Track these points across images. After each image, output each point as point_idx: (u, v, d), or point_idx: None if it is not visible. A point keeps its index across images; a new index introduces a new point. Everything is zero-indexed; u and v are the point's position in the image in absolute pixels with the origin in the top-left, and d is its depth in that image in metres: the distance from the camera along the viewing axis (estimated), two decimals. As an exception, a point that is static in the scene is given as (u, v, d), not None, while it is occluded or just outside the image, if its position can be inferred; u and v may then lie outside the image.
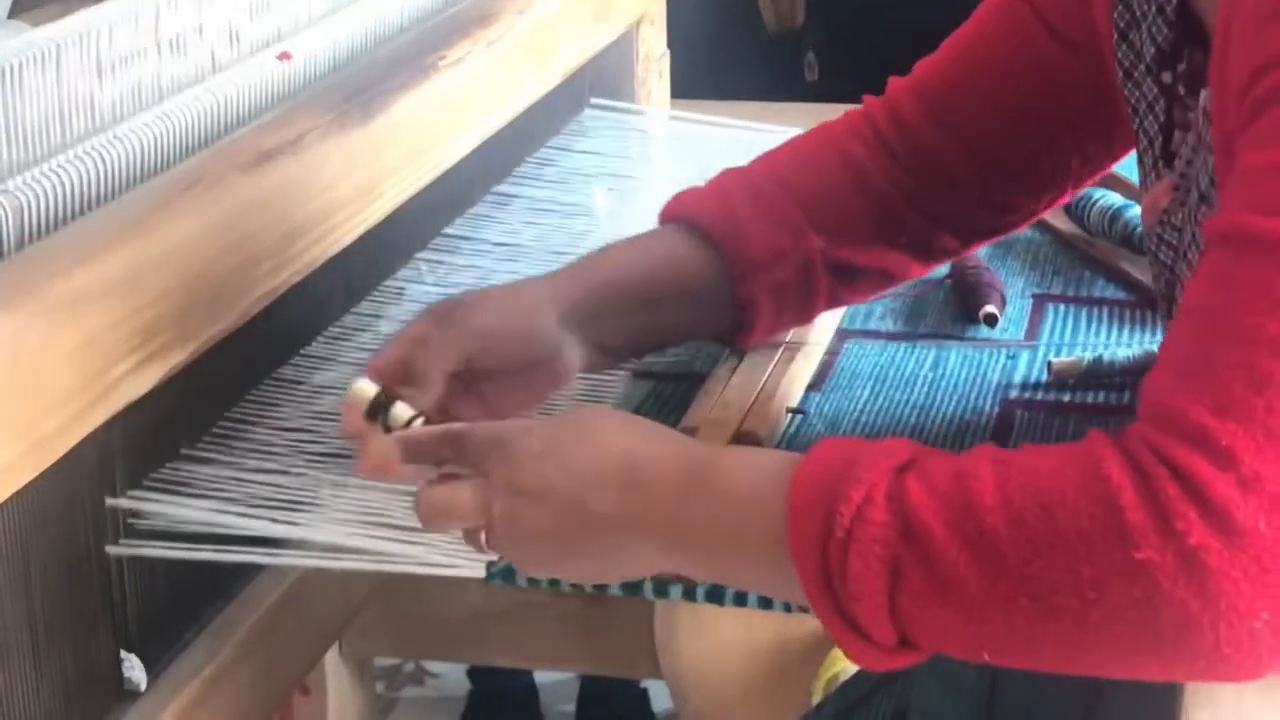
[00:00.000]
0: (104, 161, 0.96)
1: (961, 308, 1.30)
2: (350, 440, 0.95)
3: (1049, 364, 1.19)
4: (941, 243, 1.16)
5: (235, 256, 1.00)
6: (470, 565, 0.94)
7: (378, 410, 0.91)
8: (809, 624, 0.82)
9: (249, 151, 1.04)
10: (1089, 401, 1.17)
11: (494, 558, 0.93)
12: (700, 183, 1.15)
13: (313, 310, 1.14)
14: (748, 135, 1.51)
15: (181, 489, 0.96)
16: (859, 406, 1.16)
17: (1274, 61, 0.78)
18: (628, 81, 1.71)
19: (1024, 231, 1.42)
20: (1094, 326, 1.28)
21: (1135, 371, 1.17)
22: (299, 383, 1.09)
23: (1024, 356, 1.23)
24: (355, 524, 0.96)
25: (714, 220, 1.10)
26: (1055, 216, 1.43)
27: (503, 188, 1.44)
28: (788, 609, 1.00)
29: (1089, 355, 1.19)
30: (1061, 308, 1.31)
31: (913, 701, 1.02)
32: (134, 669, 0.95)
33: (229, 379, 1.04)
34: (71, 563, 0.90)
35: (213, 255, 0.98)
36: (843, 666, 1.17)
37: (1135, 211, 1.35)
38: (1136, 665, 0.74)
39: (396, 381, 0.95)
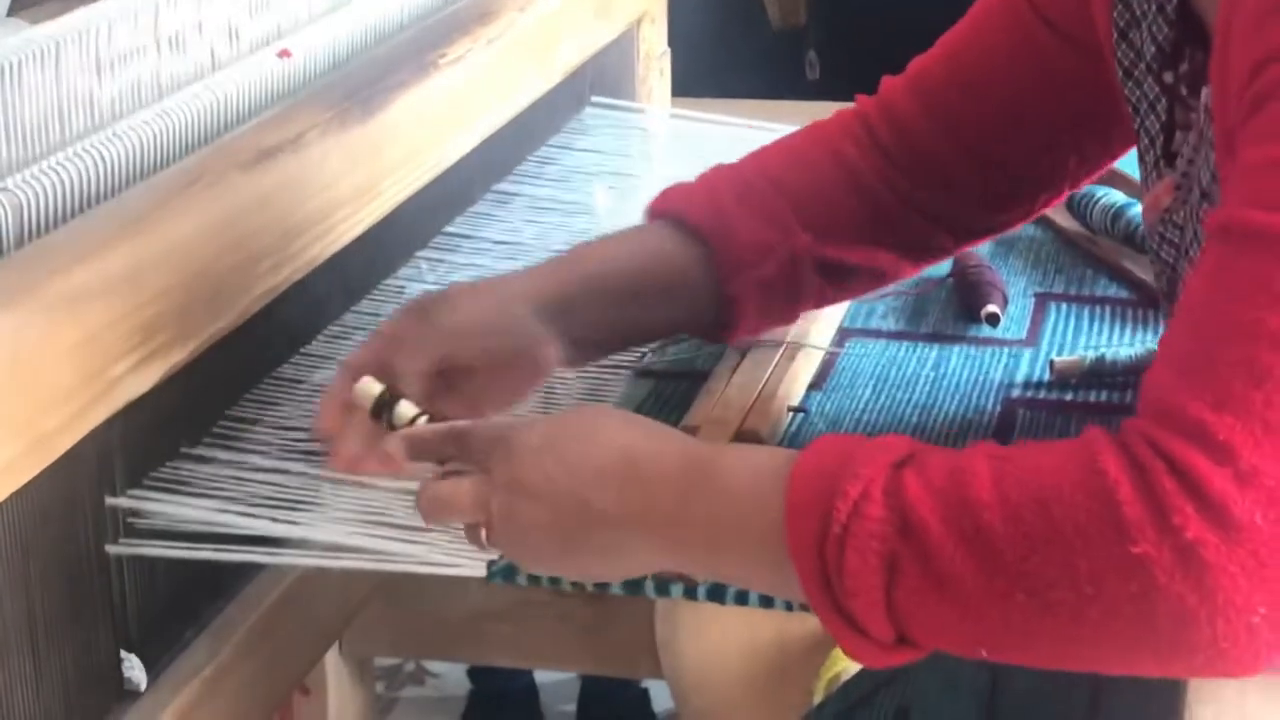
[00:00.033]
0: (103, 159, 0.96)
1: (963, 307, 1.29)
2: (325, 438, 0.96)
3: (1051, 363, 1.19)
4: (936, 241, 1.15)
5: (235, 255, 1.00)
6: (471, 564, 0.94)
7: (382, 408, 0.92)
8: (810, 623, 0.82)
9: (249, 149, 1.03)
10: (1091, 401, 1.17)
11: (495, 556, 0.92)
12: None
13: (313, 309, 1.14)
14: (749, 134, 1.50)
15: (181, 488, 0.96)
16: (861, 405, 1.16)
17: (1274, 56, 0.78)
18: (629, 79, 1.71)
19: (1026, 230, 1.43)
20: (1096, 325, 1.28)
21: (1138, 371, 1.16)
22: (299, 381, 1.09)
23: (1026, 356, 1.22)
24: (355, 523, 0.96)
25: (701, 216, 1.09)
26: (1058, 214, 1.43)
27: (503, 186, 1.44)
28: (789, 608, 1.00)
29: (1091, 354, 1.19)
30: (1064, 307, 1.31)
31: (914, 701, 1.01)
32: (134, 669, 0.95)
33: (229, 377, 1.04)
34: (71, 562, 0.90)
35: (212, 253, 0.97)
36: (844, 666, 1.17)
37: (1138, 210, 1.35)
38: (1134, 661, 0.74)
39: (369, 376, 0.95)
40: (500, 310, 1.01)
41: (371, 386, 0.93)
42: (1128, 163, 1.14)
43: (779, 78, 2.06)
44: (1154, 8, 0.96)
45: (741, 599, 1.00)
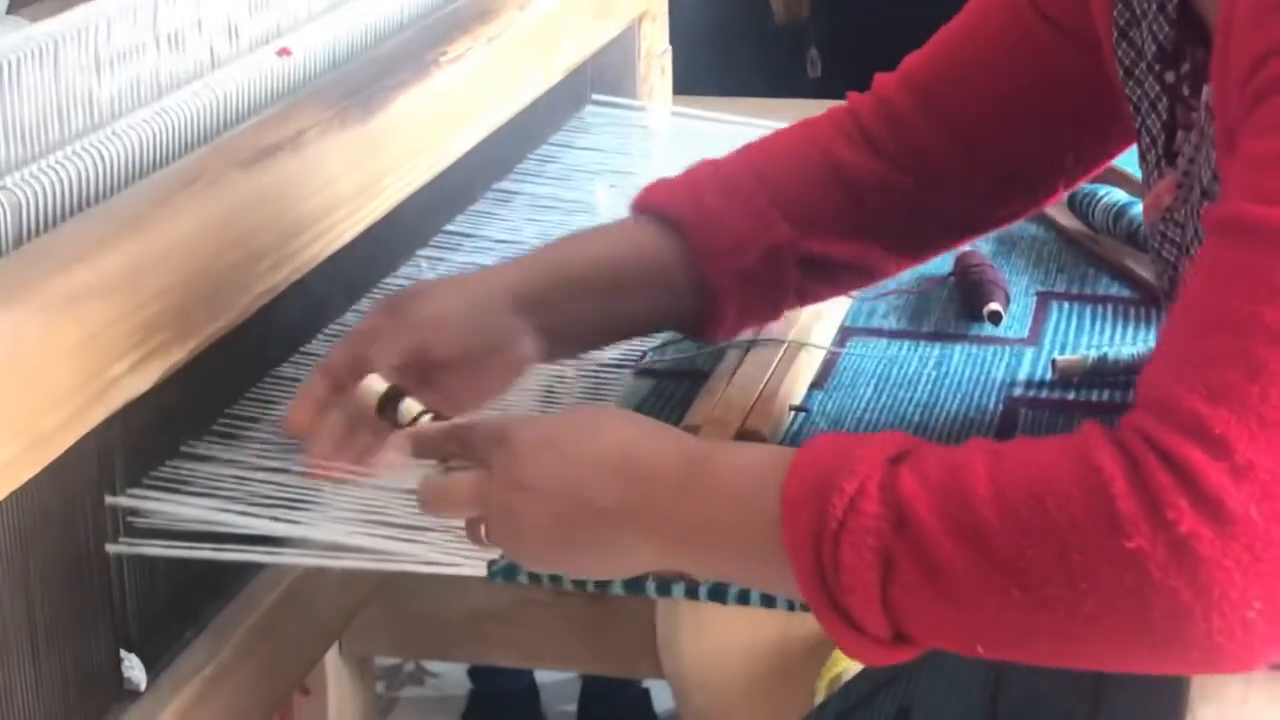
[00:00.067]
0: (102, 158, 0.96)
1: (965, 305, 1.29)
2: (295, 437, 0.96)
3: (1053, 362, 1.19)
4: (928, 238, 1.15)
5: (235, 254, 0.99)
6: (471, 564, 0.94)
7: (387, 405, 0.92)
8: (812, 623, 0.82)
9: (248, 148, 1.03)
10: (1093, 400, 1.17)
11: (495, 555, 0.92)
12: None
13: (313, 308, 1.13)
14: (750, 132, 1.49)
15: (181, 487, 0.96)
16: (862, 405, 1.16)
17: (1274, 50, 0.78)
18: (630, 78, 1.71)
19: (1028, 229, 1.43)
20: (1098, 324, 1.27)
21: (1140, 370, 1.16)
22: (299, 380, 1.09)
23: (1028, 355, 1.22)
24: (355, 522, 0.96)
25: (681, 209, 1.08)
26: (1060, 213, 1.43)
27: (504, 184, 1.44)
28: (791, 608, 1.00)
29: (1093, 353, 1.19)
30: (1066, 305, 1.31)
31: (916, 701, 1.01)
32: (134, 668, 0.94)
33: (229, 376, 1.04)
34: (71, 561, 0.90)
35: (212, 252, 0.97)
36: (846, 666, 1.17)
37: (1140, 208, 1.34)
38: (1130, 656, 0.74)
39: (346, 377, 0.96)
40: (473, 303, 1.01)
41: (377, 384, 0.93)
42: (1129, 161, 1.14)
43: (780, 76, 2.05)
44: (1154, 7, 0.96)
45: (743, 599, 1.00)
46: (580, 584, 1.03)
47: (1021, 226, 1.43)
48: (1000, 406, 1.15)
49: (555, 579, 1.02)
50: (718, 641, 1.21)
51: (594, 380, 1.16)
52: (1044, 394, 1.17)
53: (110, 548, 0.93)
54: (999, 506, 0.74)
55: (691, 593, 1.00)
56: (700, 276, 1.07)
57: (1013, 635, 0.75)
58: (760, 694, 1.21)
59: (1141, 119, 1.00)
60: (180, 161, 1.01)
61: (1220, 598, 0.71)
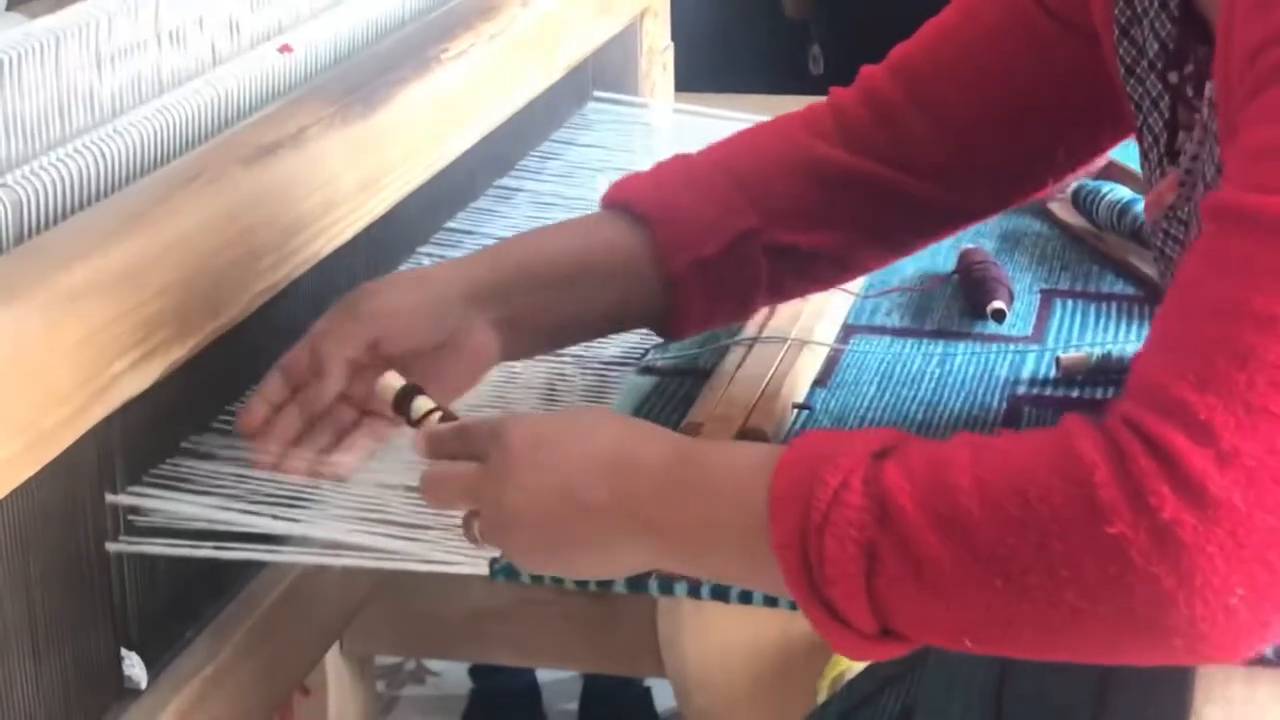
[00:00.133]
0: (103, 155, 0.96)
1: (969, 303, 1.29)
2: (247, 436, 0.97)
3: (1057, 360, 1.19)
4: (908, 232, 1.13)
5: (236, 251, 0.99)
6: (472, 562, 0.94)
7: (402, 402, 0.93)
8: (814, 622, 0.82)
9: (250, 145, 1.03)
10: (1097, 397, 1.16)
11: (493, 554, 0.92)
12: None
13: (314, 306, 1.13)
14: (752, 129, 1.50)
15: (182, 485, 0.96)
16: (865, 403, 1.15)
17: (1274, 39, 0.78)
18: (631, 74, 1.71)
19: (1032, 226, 1.43)
20: (1102, 322, 1.27)
21: (1143, 366, 1.16)
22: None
23: (1032, 352, 1.22)
24: (356, 520, 0.96)
25: (646, 201, 1.07)
26: (1063, 210, 1.43)
27: (505, 181, 1.44)
28: (793, 607, 1.00)
29: (1097, 351, 1.19)
30: (1070, 303, 1.30)
31: (919, 699, 1.01)
32: (134, 667, 0.94)
33: (230, 374, 1.03)
34: (72, 560, 0.90)
35: (213, 250, 0.97)
36: (848, 665, 1.17)
37: (1143, 205, 1.34)
38: (1114, 646, 0.74)
39: (303, 375, 0.97)
40: (428, 296, 1.01)
41: (394, 381, 0.94)
42: (1132, 158, 1.14)
43: (782, 72, 2.05)
44: (1156, 4, 0.96)
45: (746, 598, 1.00)
46: (582, 583, 1.03)
47: (1025, 224, 1.43)
48: (1004, 405, 1.15)
49: (556, 577, 1.01)
50: (720, 640, 1.21)
51: (596, 378, 1.15)
52: (1048, 392, 1.17)
53: (111, 546, 0.92)
54: (982, 498, 0.74)
55: (694, 591, 1.00)
56: (663, 267, 1.06)
57: (998, 627, 0.75)
58: (762, 693, 1.20)
59: (1143, 117, 1.00)
60: (181, 159, 1.01)
61: (1203, 585, 0.70)
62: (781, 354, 1.18)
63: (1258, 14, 0.79)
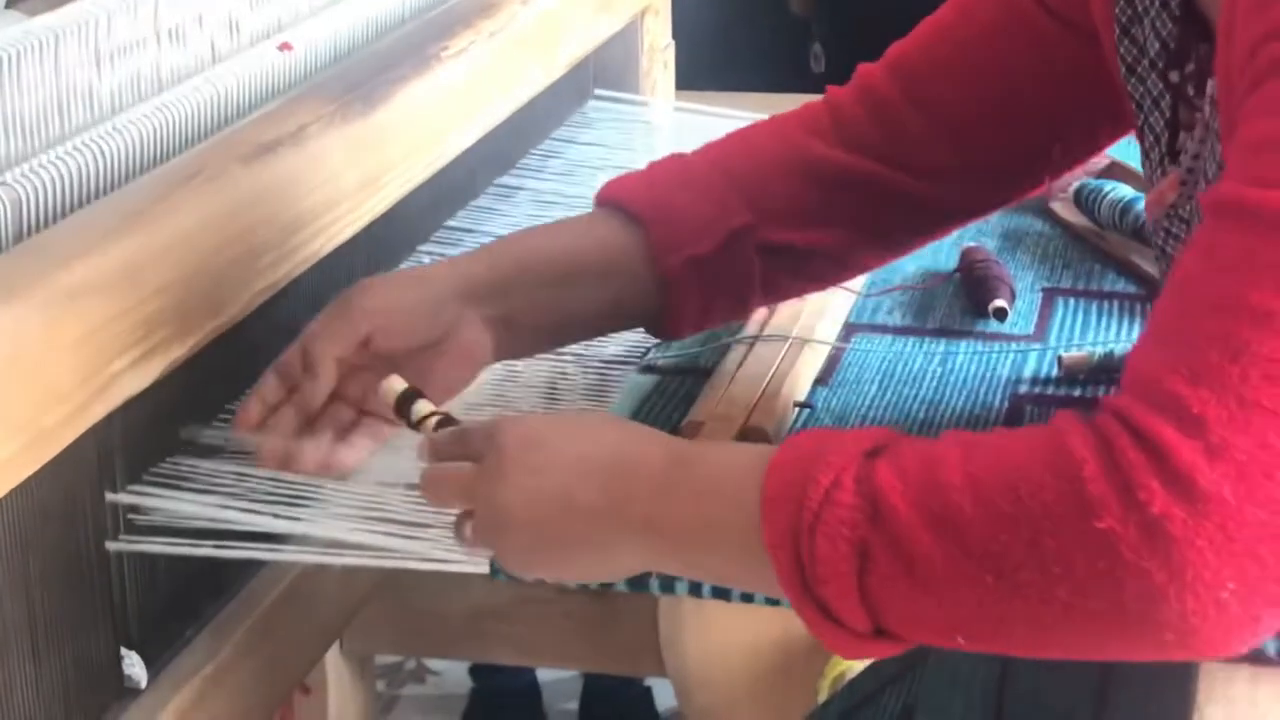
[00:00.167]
0: (103, 153, 0.95)
1: (970, 302, 1.29)
2: (243, 436, 0.97)
3: (1059, 359, 1.18)
4: (901, 230, 1.13)
5: (236, 249, 0.99)
6: (472, 561, 0.94)
7: (403, 405, 0.94)
8: (815, 621, 0.82)
9: (249, 143, 1.03)
10: (1099, 396, 1.16)
11: (486, 555, 0.92)
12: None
13: (314, 304, 1.13)
14: (752, 127, 1.50)
15: (182, 483, 0.96)
16: (867, 401, 1.15)
17: (1274, 33, 0.78)
18: (632, 73, 1.70)
19: (1034, 225, 1.42)
20: (1104, 320, 1.27)
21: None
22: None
23: (1034, 351, 1.22)
24: (357, 519, 0.96)
25: (640, 200, 1.07)
26: (1065, 209, 1.43)
27: (506, 180, 1.44)
28: (793, 606, 1.00)
29: (1099, 349, 1.18)
30: (1072, 302, 1.30)
31: (920, 698, 1.01)
32: (134, 666, 0.94)
33: (230, 373, 1.03)
34: (71, 559, 0.90)
35: (213, 248, 0.97)
36: (849, 664, 1.17)
37: (1146, 204, 1.34)
38: (1107, 642, 0.74)
39: (297, 375, 0.97)
40: (421, 293, 1.00)
41: (396, 384, 0.94)
42: (1134, 157, 1.13)
43: (783, 71, 2.05)
44: (1157, 3, 0.95)
45: (747, 596, 1.00)
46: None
47: (1027, 222, 1.43)
48: (1006, 403, 1.15)
49: (557, 577, 1.01)
50: (721, 639, 1.21)
51: (597, 377, 1.15)
52: (1050, 391, 1.17)
53: (111, 545, 0.92)
54: (973, 495, 0.74)
55: (695, 590, 1.00)
56: (657, 265, 1.06)
57: (990, 624, 0.75)
58: (763, 692, 1.20)
59: (1144, 116, 0.99)
60: (181, 157, 1.01)
61: (1194, 579, 0.70)
62: (783, 352, 1.18)
63: (1258, 10, 0.79)
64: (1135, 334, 1.24)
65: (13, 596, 0.85)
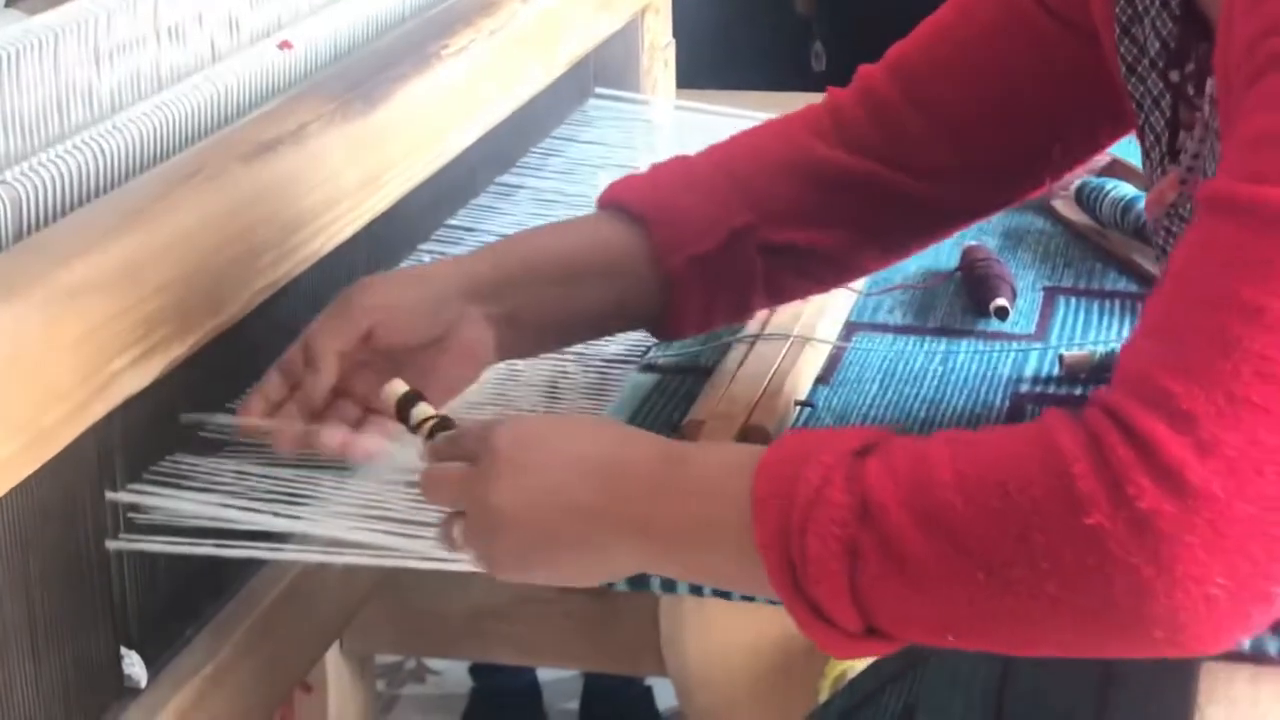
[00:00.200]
0: (103, 152, 0.95)
1: (972, 301, 1.29)
2: (246, 434, 0.97)
3: (1061, 357, 1.18)
4: (903, 232, 1.13)
5: (236, 248, 0.99)
6: (473, 560, 0.93)
7: (403, 409, 0.94)
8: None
9: (250, 142, 1.03)
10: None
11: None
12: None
13: (314, 303, 1.13)
14: (753, 125, 1.49)
15: (182, 482, 0.96)
16: (868, 400, 1.15)
17: (1269, 29, 0.78)
18: (633, 71, 1.70)
19: (1035, 223, 1.42)
20: (1106, 319, 1.27)
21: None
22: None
23: (1035, 350, 1.22)
24: (357, 517, 0.96)
25: (643, 201, 1.07)
26: (1067, 208, 1.43)
27: (506, 178, 1.44)
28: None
29: (1101, 348, 1.18)
30: (1073, 300, 1.30)
31: (922, 698, 1.01)
32: (134, 665, 0.94)
33: (230, 371, 1.03)
34: (71, 558, 0.90)
35: (213, 246, 0.97)
36: (850, 664, 1.16)
37: (1148, 203, 1.34)
38: (1097, 638, 0.74)
39: (299, 371, 0.97)
40: (423, 290, 1.01)
41: (397, 387, 0.95)
42: (1136, 155, 1.13)
43: (784, 69, 2.05)
44: (1157, 3, 0.95)
45: (748, 596, 1.00)
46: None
47: (1028, 221, 1.43)
48: (1007, 403, 1.15)
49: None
50: (721, 639, 1.20)
51: (598, 376, 1.15)
52: (1051, 390, 1.17)
53: (110, 544, 0.92)
54: (963, 492, 0.74)
55: (696, 590, 1.00)
56: (660, 265, 1.06)
57: (981, 622, 0.75)
58: (764, 692, 1.20)
59: (1144, 116, 0.99)
60: (181, 155, 1.01)
61: (1183, 574, 0.70)
62: (784, 351, 1.17)
63: (1255, 6, 0.79)
64: (1136, 333, 1.24)
65: (13, 596, 0.85)
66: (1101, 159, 1.43)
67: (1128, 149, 1.17)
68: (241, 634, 0.99)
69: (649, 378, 1.18)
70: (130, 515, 0.93)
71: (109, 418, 0.90)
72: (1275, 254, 0.73)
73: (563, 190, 1.43)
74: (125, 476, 0.93)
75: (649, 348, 1.20)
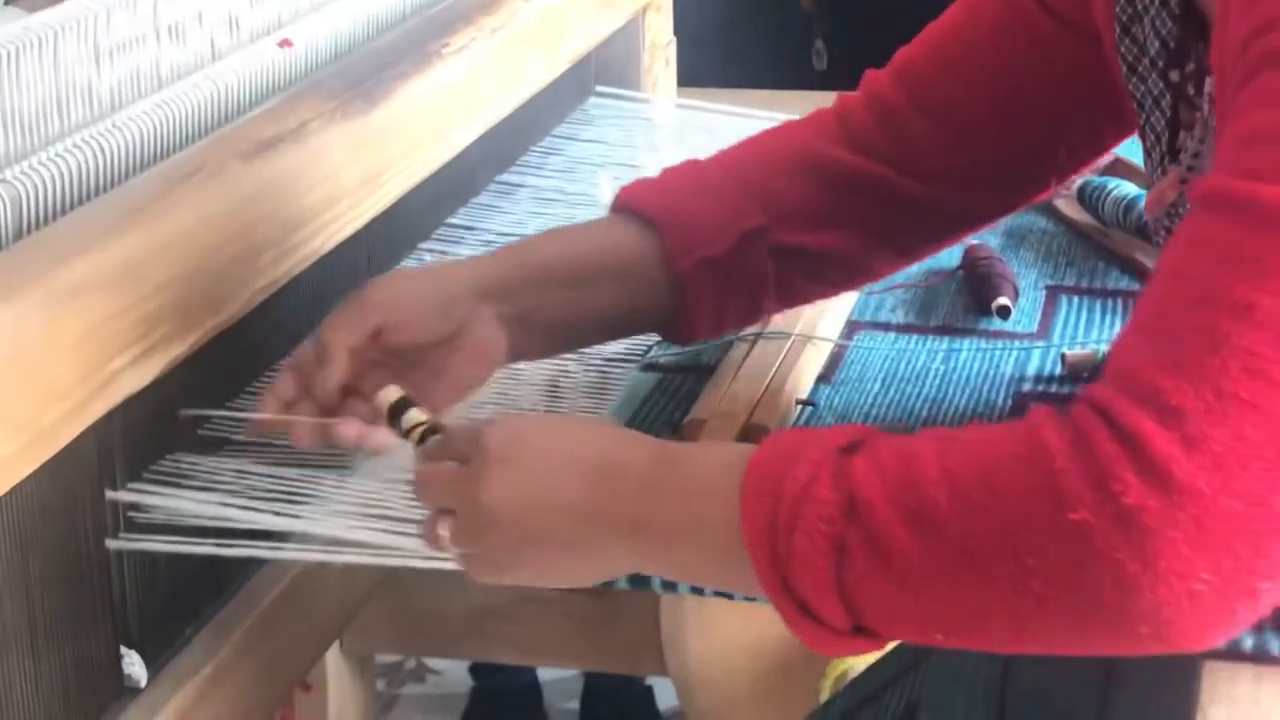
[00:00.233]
0: (103, 150, 0.95)
1: (974, 299, 1.29)
2: (259, 433, 0.97)
3: (1063, 356, 1.18)
4: (913, 235, 1.13)
5: (236, 246, 0.99)
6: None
7: (395, 414, 0.94)
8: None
9: (250, 140, 1.03)
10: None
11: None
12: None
13: (315, 302, 1.13)
14: (754, 124, 1.49)
15: (182, 482, 0.95)
16: (869, 399, 1.15)
17: (1265, 26, 0.78)
18: (634, 69, 1.70)
19: (1037, 222, 1.42)
20: (1108, 318, 1.27)
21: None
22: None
23: (1037, 349, 1.22)
24: (357, 517, 0.95)
25: (654, 204, 1.08)
26: (1069, 206, 1.42)
27: (507, 177, 1.44)
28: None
29: (1103, 347, 1.18)
30: (1075, 299, 1.30)
31: (923, 697, 1.01)
32: (134, 665, 0.94)
33: (230, 370, 1.03)
34: (71, 557, 0.89)
35: (213, 245, 0.97)
36: (851, 663, 1.16)
37: (1150, 201, 1.34)
38: (1083, 634, 0.74)
39: (309, 365, 0.97)
40: (435, 288, 1.01)
41: (390, 393, 0.94)
42: (1138, 154, 1.13)
43: (786, 68, 2.05)
44: (1157, 3, 0.96)
45: (749, 595, 0.99)
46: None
47: (1030, 220, 1.43)
48: (1009, 401, 1.15)
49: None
50: (722, 638, 1.20)
51: (599, 374, 1.15)
52: (1053, 389, 1.17)
53: (110, 543, 0.92)
54: (949, 489, 0.74)
55: (697, 589, 1.00)
56: (672, 269, 1.06)
57: (967, 619, 0.75)
58: (765, 691, 1.20)
59: (1145, 116, 1.00)
60: (181, 154, 1.01)
61: (1167, 570, 0.70)
62: (785, 350, 1.17)
63: (1250, 5, 0.79)
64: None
65: (12, 595, 0.85)
66: (1104, 158, 1.43)
67: (1130, 148, 1.17)
68: (241, 634, 0.99)
69: (650, 376, 1.18)
70: (130, 514, 0.93)
71: (109, 417, 0.90)
72: (1267, 251, 0.73)
73: (563, 189, 1.43)
74: (125, 475, 0.93)
75: (650, 346, 1.20)
